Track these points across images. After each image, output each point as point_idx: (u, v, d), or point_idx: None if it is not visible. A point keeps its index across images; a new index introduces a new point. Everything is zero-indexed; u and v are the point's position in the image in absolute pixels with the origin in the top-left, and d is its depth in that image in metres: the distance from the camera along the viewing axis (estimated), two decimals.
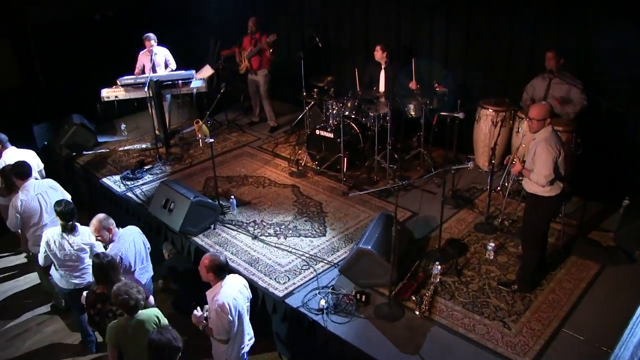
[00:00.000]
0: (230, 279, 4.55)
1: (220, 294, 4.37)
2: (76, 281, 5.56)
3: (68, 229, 5.42)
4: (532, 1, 7.02)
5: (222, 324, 4.37)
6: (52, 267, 5.63)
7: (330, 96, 8.18)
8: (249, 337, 4.79)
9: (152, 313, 4.47)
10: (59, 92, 10.26)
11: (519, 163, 5.29)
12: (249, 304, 4.71)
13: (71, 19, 10.04)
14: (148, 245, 5.62)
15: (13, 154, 6.71)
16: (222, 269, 4.44)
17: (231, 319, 4.38)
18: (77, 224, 5.51)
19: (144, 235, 5.61)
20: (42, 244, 5.45)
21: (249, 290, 4.74)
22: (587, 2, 6.54)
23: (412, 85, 7.79)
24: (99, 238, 5.25)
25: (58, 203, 5.42)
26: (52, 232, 5.47)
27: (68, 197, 6.12)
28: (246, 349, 4.78)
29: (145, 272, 5.56)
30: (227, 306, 4.33)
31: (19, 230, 6.15)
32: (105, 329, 4.50)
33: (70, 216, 5.39)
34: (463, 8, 7.72)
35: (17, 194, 5.99)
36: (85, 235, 5.50)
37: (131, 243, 5.31)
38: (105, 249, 5.28)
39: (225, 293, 4.39)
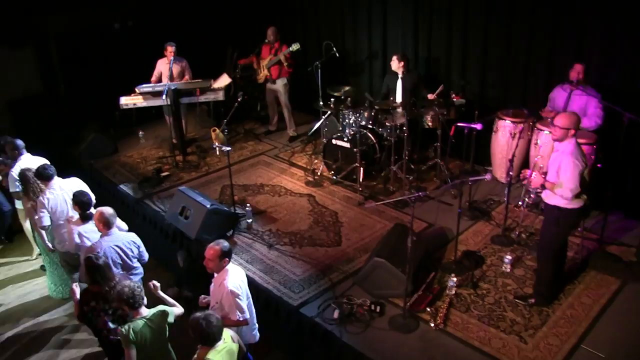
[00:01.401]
0: (230, 265, 4.68)
1: (229, 277, 4.53)
2: None
3: (88, 218, 5.69)
4: (552, 12, 6.96)
5: (241, 303, 4.51)
6: None
7: (347, 106, 8.17)
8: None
9: (159, 309, 4.57)
10: (78, 100, 10.38)
11: (540, 176, 5.20)
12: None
13: (92, 28, 10.15)
14: (135, 255, 5.56)
15: (28, 161, 6.84)
16: (231, 252, 4.64)
17: (245, 296, 4.61)
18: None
19: (141, 245, 5.61)
20: (73, 237, 5.69)
21: None
22: (608, 13, 6.47)
23: (431, 96, 7.78)
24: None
25: (79, 193, 5.71)
26: (80, 228, 5.71)
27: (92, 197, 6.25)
28: (256, 331, 4.94)
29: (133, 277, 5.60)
30: (240, 286, 4.56)
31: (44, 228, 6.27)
32: (96, 326, 4.81)
33: (89, 205, 5.70)
34: (481, 18, 7.68)
35: (43, 193, 6.15)
36: None
37: (117, 247, 5.35)
38: None
39: (234, 275, 4.58)
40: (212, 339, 3.98)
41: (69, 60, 10.22)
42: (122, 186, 8.33)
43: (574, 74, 6.46)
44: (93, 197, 6.16)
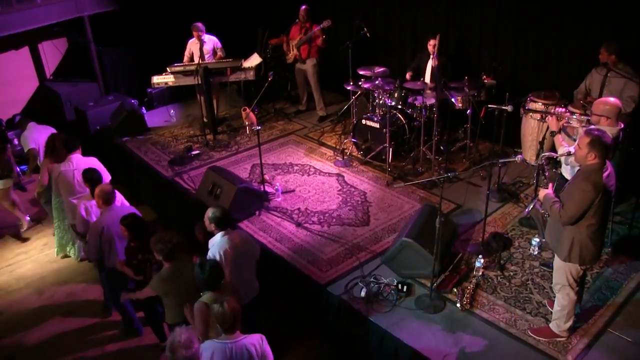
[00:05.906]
0: (231, 233, 4.91)
1: (215, 244, 4.83)
2: None
3: None
4: None
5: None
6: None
7: (377, 86, 8.15)
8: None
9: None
10: (111, 79, 10.52)
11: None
12: (250, 258, 5.05)
13: (125, 8, 10.23)
14: None
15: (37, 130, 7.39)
16: (221, 221, 4.86)
17: (228, 261, 4.75)
18: None
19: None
20: (79, 211, 5.82)
21: (251, 245, 5.11)
22: None
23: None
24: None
25: (86, 171, 5.86)
26: (87, 200, 5.86)
27: (108, 177, 6.44)
28: (250, 289, 5.10)
29: None
30: (219, 255, 4.73)
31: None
32: (148, 275, 5.07)
33: (99, 182, 5.79)
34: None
35: (61, 163, 6.41)
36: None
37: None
38: None
39: (220, 244, 4.80)
40: (208, 284, 4.32)
41: (103, 40, 10.33)
42: (153, 164, 8.42)
43: (602, 55, 6.36)
44: (108, 176, 6.37)
